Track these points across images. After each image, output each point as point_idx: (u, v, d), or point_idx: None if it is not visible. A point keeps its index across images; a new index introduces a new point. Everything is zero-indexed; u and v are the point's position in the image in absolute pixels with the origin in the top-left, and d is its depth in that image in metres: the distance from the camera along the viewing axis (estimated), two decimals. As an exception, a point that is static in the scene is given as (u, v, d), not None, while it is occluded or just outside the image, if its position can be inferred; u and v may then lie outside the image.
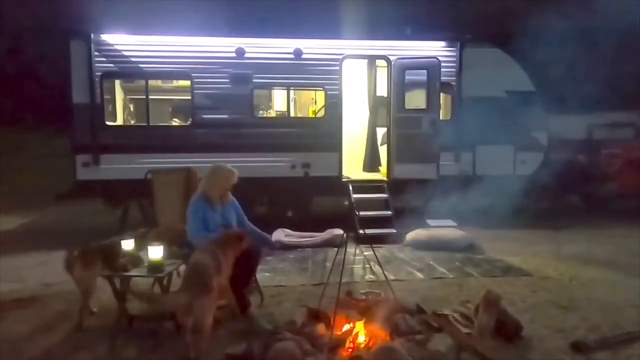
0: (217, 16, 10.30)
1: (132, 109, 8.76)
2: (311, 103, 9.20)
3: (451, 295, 4.75)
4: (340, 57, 7.87)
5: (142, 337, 3.79)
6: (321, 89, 8.03)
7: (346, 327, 3.63)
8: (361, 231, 6.02)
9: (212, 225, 4.08)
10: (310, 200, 8.15)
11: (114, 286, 3.96)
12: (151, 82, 7.77)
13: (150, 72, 7.61)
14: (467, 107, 8.10)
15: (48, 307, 4.55)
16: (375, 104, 8.53)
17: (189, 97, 7.73)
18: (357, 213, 7.04)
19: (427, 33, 8.46)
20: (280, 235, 6.97)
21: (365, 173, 8.64)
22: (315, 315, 3.77)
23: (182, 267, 3.94)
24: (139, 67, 7.50)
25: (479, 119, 7.90)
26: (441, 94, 7.98)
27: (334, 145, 7.93)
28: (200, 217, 4.06)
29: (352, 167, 8.48)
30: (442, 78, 7.81)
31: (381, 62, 8.30)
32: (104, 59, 7.38)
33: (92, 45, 7.26)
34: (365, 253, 5.31)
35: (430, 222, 7.30)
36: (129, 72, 7.70)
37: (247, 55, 7.66)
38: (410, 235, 7.02)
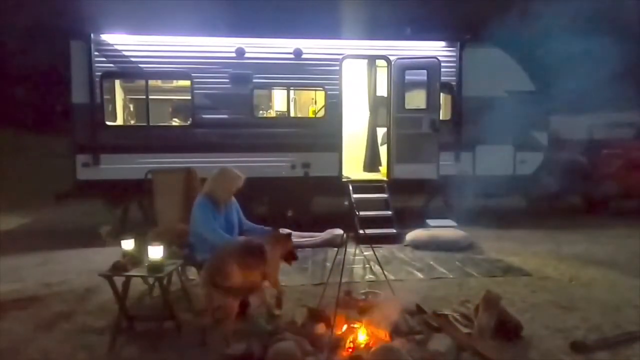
0: (217, 16, 10.30)
1: (132, 109, 8.76)
2: (311, 103, 9.20)
3: (451, 295, 4.74)
4: (340, 57, 7.87)
5: (142, 337, 3.80)
6: (321, 89, 8.03)
7: (346, 327, 3.63)
8: (361, 231, 6.03)
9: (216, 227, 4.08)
10: (310, 200, 8.15)
11: (114, 286, 3.95)
12: (151, 82, 7.78)
13: (150, 72, 7.61)
14: (467, 107, 8.11)
15: (48, 307, 4.55)
16: (375, 104, 8.54)
17: (189, 97, 7.73)
18: (357, 213, 7.04)
19: (427, 33, 8.46)
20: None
21: (365, 173, 8.64)
22: (315, 315, 3.77)
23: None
24: (139, 67, 7.50)
25: (478, 119, 7.91)
26: (441, 94, 7.99)
27: (334, 145, 7.93)
28: (210, 216, 4.06)
29: (352, 167, 8.48)
30: (442, 78, 7.81)
31: (381, 62, 8.30)
32: (104, 59, 7.38)
33: (92, 45, 7.27)
34: (365, 253, 5.30)
35: (430, 222, 7.30)
36: (129, 72, 7.70)
37: (247, 55, 7.66)
38: (410, 235, 7.02)
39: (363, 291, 4.55)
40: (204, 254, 4.04)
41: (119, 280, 3.77)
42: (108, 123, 7.61)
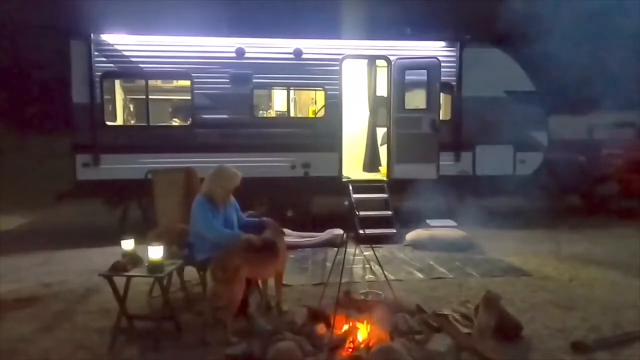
0: (217, 16, 10.30)
1: (132, 109, 8.75)
2: (311, 103, 9.20)
3: (451, 295, 4.75)
4: (340, 57, 7.87)
5: (142, 337, 3.79)
6: (321, 89, 8.03)
7: (346, 327, 3.63)
8: (361, 231, 6.02)
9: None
10: (310, 200, 8.14)
11: (114, 286, 3.95)
12: (151, 82, 7.77)
13: (150, 72, 7.61)
14: (467, 107, 8.10)
15: (48, 307, 4.56)
16: (375, 104, 8.53)
17: (189, 97, 7.72)
18: (357, 213, 7.04)
19: (427, 33, 8.45)
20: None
21: (365, 173, 8.63)
22: (315, 315, 3.77)
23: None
24: (139, 67, 7.50)
25: (478, 119, 7.92)
26: (441, 94, 7.98)
27: (334, 145, 7.93)
28: (209, 215, 4.05)
29: (352, 167, 8.48)
30: (442, 78, 7.81)
31: (381, 62, 8.29)
32: (104, 59, 7.38)
33: (92, 45, 7.25)
34: (365, 253, 5.31)
35: (430, 222, 7.30)
36: (129, 72, 7.70)
37: (247, 55, 7.66)
38: (410, 235, 7.02)
39: (363, 291, 4.56)
40: (204, 253, 4.05)
41: (119, 281, 3.77)
42: (108, 123, 7.61)
